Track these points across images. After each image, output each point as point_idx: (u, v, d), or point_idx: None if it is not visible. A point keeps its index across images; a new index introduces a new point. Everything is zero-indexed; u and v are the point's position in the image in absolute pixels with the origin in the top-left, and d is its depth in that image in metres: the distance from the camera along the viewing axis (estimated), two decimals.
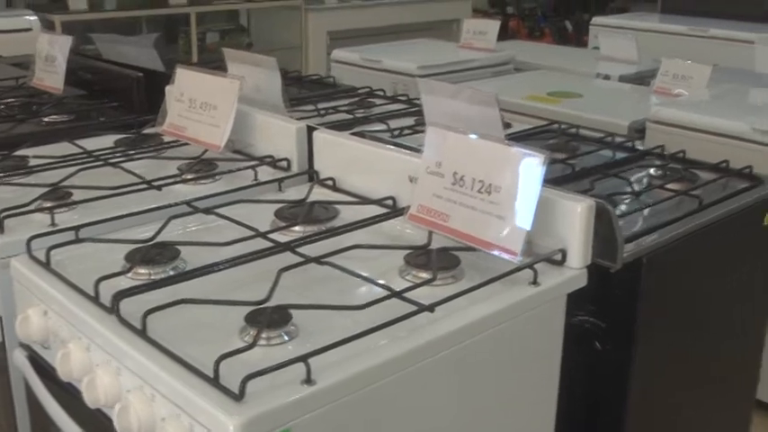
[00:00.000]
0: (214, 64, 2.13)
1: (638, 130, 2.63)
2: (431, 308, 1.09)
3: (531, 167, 1.19)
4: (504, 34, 9.91)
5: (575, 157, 1.83)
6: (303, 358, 0.96)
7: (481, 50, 3.67)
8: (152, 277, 1.25)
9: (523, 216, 1.19)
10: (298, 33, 6.03)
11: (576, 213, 1.25)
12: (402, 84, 3.21)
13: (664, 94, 3.05)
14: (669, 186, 1.66)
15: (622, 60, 3.76)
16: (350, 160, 1.59)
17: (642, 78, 3.39)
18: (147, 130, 2.02)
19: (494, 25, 3.76)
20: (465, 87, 1.58)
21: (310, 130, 1.69)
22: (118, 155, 1.83)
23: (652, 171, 1.77)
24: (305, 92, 2.50)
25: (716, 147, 2.49)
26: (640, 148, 2.04)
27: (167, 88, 1.98)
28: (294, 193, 1.59)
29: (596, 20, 5.21)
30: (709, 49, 4.51)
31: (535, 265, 1.21)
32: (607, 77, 3.51)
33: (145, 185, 1.61)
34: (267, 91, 1.95)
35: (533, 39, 9.69)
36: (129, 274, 1.25)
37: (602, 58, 3.85)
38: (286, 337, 1.06)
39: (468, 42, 3.76)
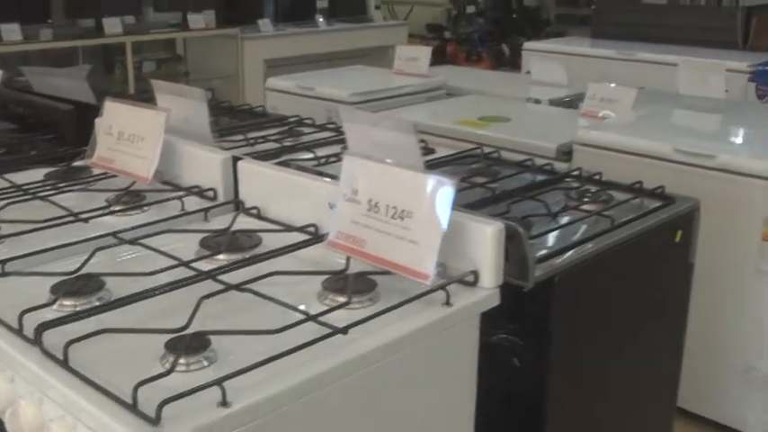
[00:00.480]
0: (148, 94, 2.16)
1: (566, 153, 2.72)
2: (344, 330, 1.14)
3: (440, 193, 1.26)
4: (441, 59, 10.10)
5: (495, 181, 1.90)
6: (218, 382, 1.01)
7: (414, 76, 3.75)
8: (77, 308, 1.27)
9: (434, 240, 1.25)
10: (234, 62, 6.07)
11: (486, 236, 1.31)
12: (336, 111, 3.28)
13: (591, 116, 3.15)
14: (584, 207, 1.73)
15: (553, 84, 3.86)
16: (273, 189, 1.64)
17: (572, 102, 3.49)
18: (78, 163, 2.04)
19: (425, 52, 3.84)
20: (385, 116, 1.64)
21: (235, 160, 1.74)
22: (47, 188, 1.85)
23: (569, 193, 1.84)
24: (236, 121, 2.55)
25: (640, 167, 2.59)
26: (569, 170, 2.11)
27: (97, 121, 2.01)
28: (219, 222, 1.63)
29: (528, 45, 5.35)
30: (637, 72, 4.66)
31: (448, 287, 1.27)
32: (537, 101, 3.61)
33: (72, 218, 1.64)
34: (195, 122, 1.99)
35: (471, 63, 9.86)
36: (55, 306, 1.27)
37: (534, 83, 3.95)
38: (205, 363, 1.11)
39: (401, 69, 3.84)
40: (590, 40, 5.80)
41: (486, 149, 2.26)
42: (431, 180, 1.27)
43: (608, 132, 2.75)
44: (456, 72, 4.92)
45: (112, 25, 5.62)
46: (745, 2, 6.41)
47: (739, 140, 2.82)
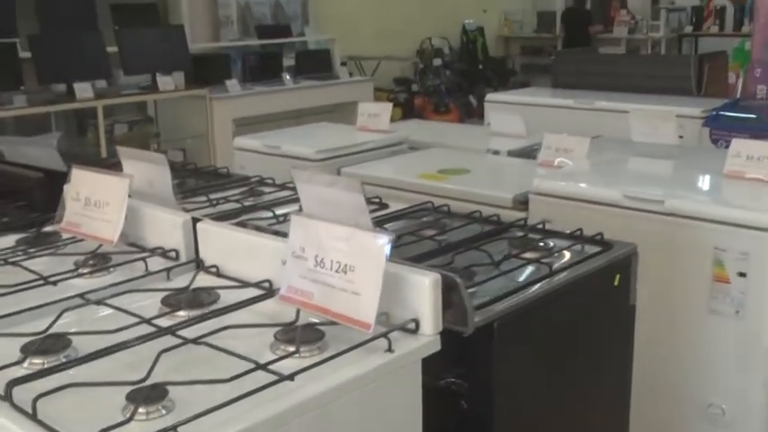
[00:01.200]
0: (119, 158, 2.27)
1: (522, 202, 2.84)
2: (291, 377, 1.25)
3: (378, 247, 1.37)
4: (410, 111, 10.28)
5: (443, 233, 2.02)
6: (173, 427, 1.11)
7: (376, 132, 3.89)
8: (45, 366, 1.37)
9: (374, 292, 1.36)
10: (204, 122, 6.21)
11: (424, 286, 1.42)
12: (299, 168, 3.40)
13: (547, 166, 3.28)
14: (525, 255, 1.85)
15: (512, 135, 4.00)
16: (231, 248, 1.76)
17: (530, 152, 3.62)
18: (47, 228, 2.14)
19: (386, 108, 3.98)
20: (335, 177, 1.76)
21: (196, 221, 1.85)
22: (18, 254, 1.95)
23: (512, 242, 1.97)
24: (201, 183, 2.66)
25: (593, 213, 2.72)
26: (514, 220, 2.24)
27: (65, 187, 2.12)
28: (181, 280, 1.74)
29: (490, 97, 5.51)
30: (596, 120, 4.82)
31: (390, 334, 1.38)
32: (497, 152, 3.74)
33: (42, 282, 1.74)
34: (159, 185, 2.10)
35: (439, 114, 10.09)
36: (25, 365, 1.37)
37: (494, 134, 4.09)
38: (164, 411, 1.21)
39: (364, 125, 3.97)
40: (551, 90, 5.99)
41: (437, 203, 2.38)
42: (369, 236, 1.39)
43: (562, 181, 2.87)
44: (420, 126, 5.07)
45: (84, 90, 5.75)
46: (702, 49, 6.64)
47: (688, 185, 2.95)
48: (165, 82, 6.15)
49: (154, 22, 7.13)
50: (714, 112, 4.62)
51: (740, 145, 2.94)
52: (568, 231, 2.03)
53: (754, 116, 4.87)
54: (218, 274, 1.76)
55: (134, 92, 6.18)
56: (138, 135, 6.31)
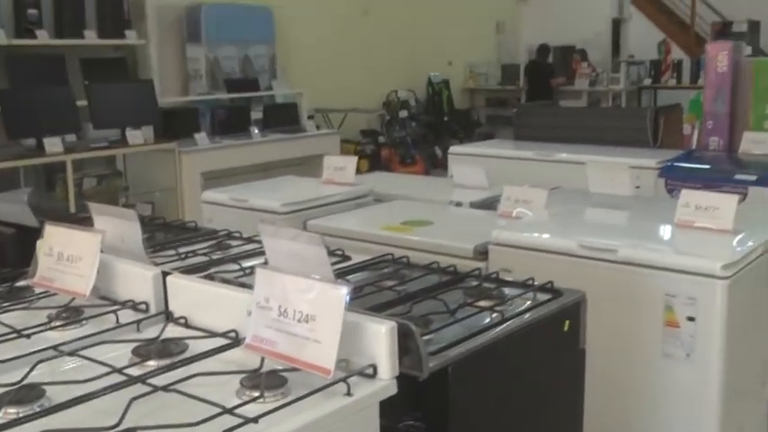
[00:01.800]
0: (89, 212, 2.35)
1: (482, 253, 2.94)
2: (255, 419, 1.33)
3: (338, 298, 1.47)
4: (377, 163, 10.39)
5: (403, 284, 2.12)
6: None
7: (342, 185, 3.99)
8: (20, 415, 1.44)
9: (333, 339, 1.46)
10: (173, 175, 6.27)
11: (381, 334, 1.52)
12: (268, 222, 3.49)
13: (507, 217, 3.40)
14: (479, 304, 1.95)
15: (474, 187, 4.12)
16: (199, 300, 1.84)
17: (492, 203, 3.74)
18: (21, 283, 2.21)
19: (351, 161, 4.09)
20: (298, 231, 1.86)
21: (165, 275, 1.93)
22: None
23: (467, 291, 2.07)
24: (170, 237, 2.75)
25: (550, 263, 2.83)
26: (469, 270, 2.34)
27: (38, 243, 2.19)
28: (151, 331, 1.82)
29: (453, 149, 5.63)
30: (556, 172, 4.95)
31: (349, 379, 1.47)
32: (459, 204, 3.85)
33: (15, 335, 1.81)
34: (130, 240, 2.19)
35: (405, 165, 10.24)
36: (0, 415, 1.44)
37: (457, 186, 4.21)
38: None
39: (330, 178, 4.08)
40: (513, 143, 6.14)
41: (401, 254, 2.48)
42: (329, 287, 1.49)
43: (520, 232, 2.99)
44: (385, 178, 5.19)
45: (53, 144, 5.81)
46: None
47: (640, 234, 3.08)
48: (134, 136, 6.22)
49: (123, 76, 7.23)
50: (669, 163, 4.78)
51: (689, 195, 3.08)
52: (521, 280, 2.13)
53: (707, 167, 5.04)
54: (187, 325, 1.84)
55: (103, 145, 6.24)
56: (107, 189, 6.37)
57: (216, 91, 8.39)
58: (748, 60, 5.41)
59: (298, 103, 8.25)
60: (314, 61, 10.35)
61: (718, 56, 5.19)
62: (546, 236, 2.95)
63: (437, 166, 10.37)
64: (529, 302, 2.01)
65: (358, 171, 4.12)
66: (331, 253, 2.34)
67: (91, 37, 7.01)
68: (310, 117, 8.56)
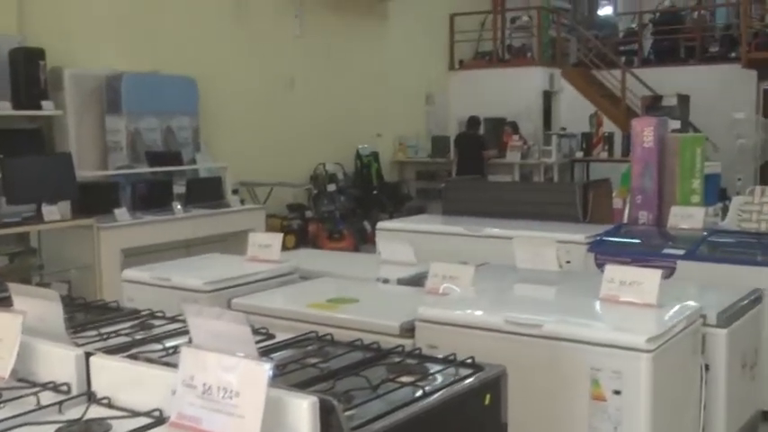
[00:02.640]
0: (6, 293, 2.41)
1: (409, 330, 3.06)
2: None
3: (260, 375, 1.58)
4: (304, 238, 10.43)
5: (326, 361, 2.24)
6: None
7: (267, 262, 4.08)
8: None
9: (257, 414, 1.56)
10: (91, 252, 6.23)
11: (302, 409, 1.63)
12: (189, 300, 3.56)
13: (434, 293, 3.52)
14: (401, 379, 2.07)
15: (402, 263, 4.24)
16: (123, 380, 1.92)
17: (419, 279, 3.86)
18: None
19: (276, 238, 4.18)
20: (222, 310, 1.96)
21: (88, 355, 2.01)
22: None
23: (390, 367, 2.19)
24: (91, 317, 2.81)
25: (476, 339, 2.96)
26: (392, 347, 2.45)
27: None
28: (74, 413, 1.89)
29: (381, 224, 5.78)
30: (485, 247, 5.13)
31: None
32: (386, 281, 3.97)
33: None
34: (50, 321, 2.26)
35: (333, 241, 10.33)
36: None
37: (385, 262, 4.33)
38: None
39: (255, 255, 4.16)
40: (442, 217, 6.32)
41: (327, 332, 2.59)
42: (252, 365, 1.60)
43: (447, 309, 3.13)
44: (311, 255, 5.30)
45: None
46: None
47: (565, 309, 3.23)
48: (50, 211, 6.15)
49: (39, 148, 7.18)
50: (598, 238, 4.99)
51: (613, 271, 3.26)
52: (443, 356, 2.26)
53: (636, 241, 5.27)
54: (110, 406, 1.91)
55: (16, 221, 6.17)
56: (20, 267, 6.32)
57: (137, 164, 8.34)
58: (674, 136, 5.70)
59: (222, 176, 8.31)
60: (239, 133, 10.46)
61: (644, 131, 5.46)
62: (472, 312, 3.10)
63: (366, 240, 10.49)
64: (450, 377, 2.13)
65: (284, 247, 4.22)
66: (255, 331, 2.44)
67: (4, 107, 6.97)
68: (235, 191, 8.63)
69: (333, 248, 9.67)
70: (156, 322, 2.69)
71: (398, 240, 4.48)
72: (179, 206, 7.24)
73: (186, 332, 2.44)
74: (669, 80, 14.01)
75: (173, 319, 2.70)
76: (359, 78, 12.69)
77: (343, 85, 12.40)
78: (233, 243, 6.68)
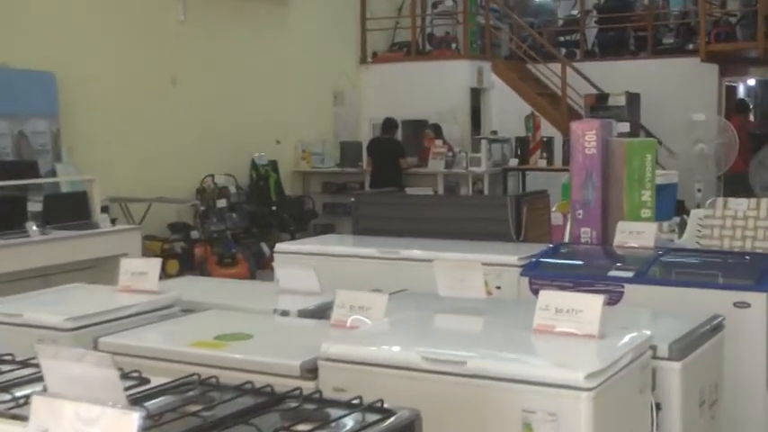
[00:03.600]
0: None
1: (311, 370, 3.07)
2: None
3: (127, 425, 1.57)
4: (189, 264, 10.38)
5: (210, 408, 2.24)
6: None
7: (142, 293, 4.04)
8: None
9: None
10: None
11: None
12: (50, 340, 3.50)
13: (341, 327, 3.54)
14: (298, 428, 2.09)
15: (304, 292, 4.24)
16: None
17: (324, 311, 3.87)
18: None
19: (154, 264, 4.15)
20: (85, 351, 1.95)
21: None
22: None
23: (285, 414, 2.20)
24: None
25: (389, 379, 2.99)
26: (287, 391, 2.46)
27: None
28: None
29: (280, 247, 5.77)
30: (402, 272, 5.17)
31: None
32: (285, 313, 3.97)
33: None
34: None
35: (225, 267, 10.30)
36: None
37: (283, 292, 4.33)
38: None
39: (128, 285, 4.12)
40: (352, 238, 6.34)
41: (213, 374, 2.59)
42: (118, 415, 1.59)
43: (355, 345, 3.14)
44: (196, 284, 5.26)
45: None
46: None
47: (493, 343, 3.28)
48: None
49: None
50: (533, 260, 5.06)
51: (549, 297, 3.32)
52: (346, 400, 2.28)
53: (577, 262, 5.36)
54: None
55: None
56: None
57: None
58: (620, 141, 5.77)
59: (88, 191, 8.18)
60: (110, 139, 10.37)
61: (586, 135, 5.54)
62: (385, 348, 3.13)
63: (264, 266, 10.45)
64: (355, 424, 2.15)
65: (165, 275, 4.20)
66: (125, 376, 2.42)
67: None
68: (104, 209, 8.53)
69: (223, 276, 9.62)
70: (4, 367, 2.65)
71: (300, 265, 4.49)
72: (35, 227, 7.12)
73: (41, 378, 2.42)
74: (616, 76, 14.31)
75: (24, 364, 2.66)
76: (254, 74, 12.68)
77: (234, 82, 12.37)
78: (102, 271, 6.61)
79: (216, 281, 7.01)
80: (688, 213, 6.16)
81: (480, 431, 2.86)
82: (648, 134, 12.84)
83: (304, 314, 3.91)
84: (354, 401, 2.27)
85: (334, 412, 2.23)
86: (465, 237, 5.73)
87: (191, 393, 2.39)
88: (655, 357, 3.22)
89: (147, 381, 2.48)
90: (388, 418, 2.19)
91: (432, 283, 4.08)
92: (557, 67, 14.87)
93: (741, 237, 5.55)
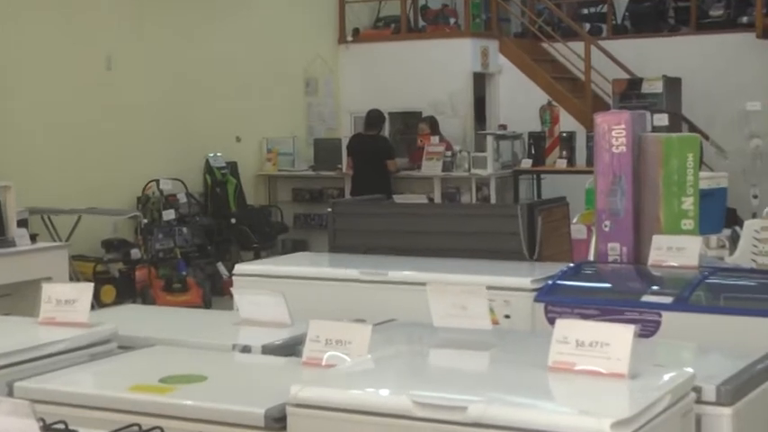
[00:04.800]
0: None
1: (278, 419, 3.07)
2: None
3: None
4: (128, 290, 10.36)
5: None
6: None
7: (70, 326, 4.02)
8: None
9: None
10: None
11: None
12: None
13: (315, 365, 3.54)
14: None
15: (270, 324, 4.23)
16: None
17: (294, 347, 3.87)
18: None
19: (85, 290, 4.12)
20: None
21: None
22: None
23: None
24: None
25: (373, 429, 3.00)
26: None
27: None
28: None
29: (241, 268, 5.77)
30: (390, 297, 5.17)
31: None
32: (247, 349, 3.97)
33: None
34: None
35: (173, 293, 10.26)
36: None
37: (244, 323, 4.32)
38: None
39: (51, 316, 4.09)
40: (329, 256, 6.34)
41: (158, 424, 2.59)
42: None
43: (331, 387, 3.14)
44: (140, 314, 5.26)
45: None
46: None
47: (501, 384, 3.29)
48: None
49: None
50: (550, 282, 5.06)
51: (568, 327, 3.32)
52: None
53: (605, 285, 5.37)
54: None
55: None
56: None
57: None
58: (656, 137, 5.76)
59: (2, 201, 8.16)
60: (29, 138, 10.33)
61: (613, 130, 5.53)
62: (369, 391, 3.13)
63: (221, 291, 10.43)
64: None
65: (99, 304, 4.19)
66: (48, 428, 2.42)
67: None
68: (22, 223, 8.49)
69: (171, 304, 9.60)
70: None
71: (266, 290, 4.48)
72: None
73: None
74: (652, 57, 14.29)
75: None
76: (209, 56, 12.63)
77: (185, 65, 12.33)
78: (20, 299, 6.59)
79: (162, 310, 6.98)
80: (741, 225, 6.16)
81: None
82: (692, 128, 12.79)
83: (270, 350, 3.92)
84: None
85: None
86: (466, 255, 5.74)
87: None
88: (699, 401, 3.22)
89: None
90: None
91: (425, 312, 4.07)
92: (579, 46, 14.86)
93: None
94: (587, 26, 16.28)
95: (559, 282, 5.10)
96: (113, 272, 10.48)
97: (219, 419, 2.99)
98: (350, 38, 15.27)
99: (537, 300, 4.91)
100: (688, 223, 5.45)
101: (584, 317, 4.16)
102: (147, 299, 10.22)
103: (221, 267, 11.09)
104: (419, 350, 3.77)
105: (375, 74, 14.46)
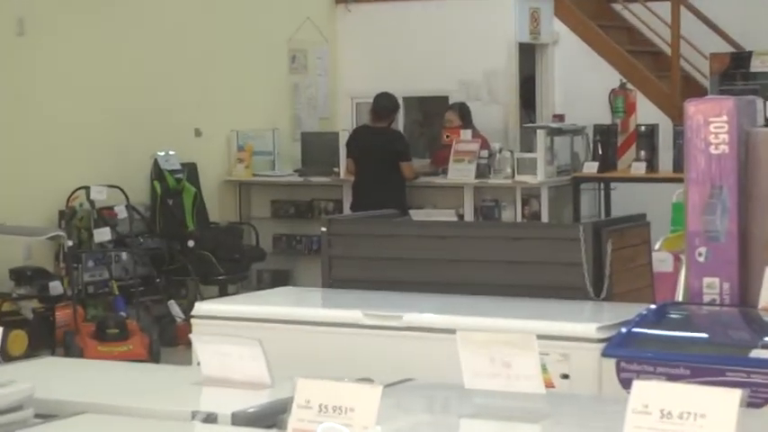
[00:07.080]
0: None
1: None
2: None
3: None
4: (46, 336, 10.41)
5: None
6: None
7: None
8: None
9: None
10: None
11: None
12: None
13: None
14: None
15: (243, 383, 4.27)
16: None
17: (275, 415, 3.91)
18: None
19: None
20: None
21: None
22: None
23: None
24: None
25: None
26: None
27: None
28: None
29: (202, 308, 5.80)
30: (405, 348, 5.19)
31: None
32: (211, 419, 4.00)
33: None
34: None
35: (108, 342, 10.31)
36: None
37: (207, 382, 4.35)
38: None
39: None
40: (321, 292, 6.35)
41: None
42: None
43: None
44: (63, 369, 5.28)
45: None
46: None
47: None
48: None
49: None
50: (623, 330, 5.09)
51: (648, 392, 3.35)
52: None
53: (699, 335, 5.39)
54: None
55: None
56: None
57: None
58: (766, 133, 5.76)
59: None
60: None
61: (711, 124, 5.55)
62: None
63: (174, 340, 10.50)
64: None
65: (7, 355, 4.22)
66: None
67: None
68: None
69: (106, 356, 9.64)
70: None
71: (236, 338, 4.51)
72: None
73: None
74: (765, 23, 14.31)
75: None
76: (158, 20, 12.69)
77: (126, 32, 12.39)
78: None
79: (94, 365, 7.02)
80: None
81: None
82: None
83: (242, 420, 3.93)
84: None
85: None
86: (510, 292, 5.76)
87: None
88: None
89: None
90: None
91: (454, 369, 4.10)
92: (664, 6, 14.85)
93: None
94: None
95: (636, 329, 5.11)
96: (26, 312, 10.51)
97: None
98: None
99: (606, 354, 4.92)
100: None
101: (671, 378, 4.17)
102: (71, 349, 10.21)
103: (174, 307, 11.13)
104: (445, 421, 3.79)
105: (385, 45, 14.46)
